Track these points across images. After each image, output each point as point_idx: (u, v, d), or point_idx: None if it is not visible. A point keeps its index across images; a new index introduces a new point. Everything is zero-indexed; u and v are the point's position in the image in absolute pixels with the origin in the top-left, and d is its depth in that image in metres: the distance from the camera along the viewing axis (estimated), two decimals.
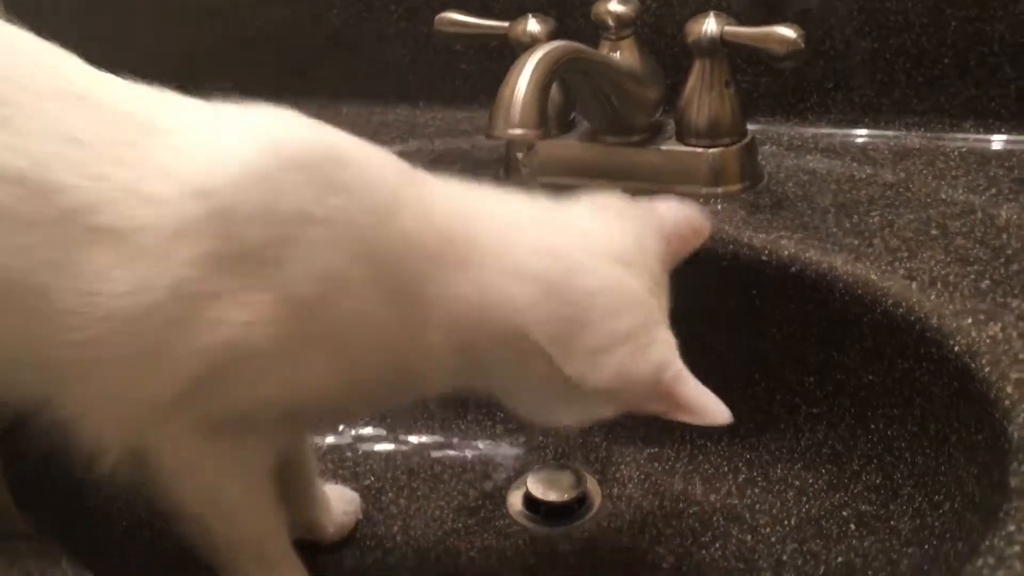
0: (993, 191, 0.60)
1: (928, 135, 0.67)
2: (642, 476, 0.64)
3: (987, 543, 0.37)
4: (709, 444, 0.63)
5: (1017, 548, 0.36)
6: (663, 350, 0.44)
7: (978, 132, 0.66)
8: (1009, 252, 0.54)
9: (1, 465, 0.49)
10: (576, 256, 0.44)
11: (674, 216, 0.49)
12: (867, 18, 0.66)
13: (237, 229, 0.39)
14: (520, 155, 0.60)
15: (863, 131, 0.69)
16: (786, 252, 0.58)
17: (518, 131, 0.52)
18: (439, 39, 0.71)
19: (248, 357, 0.40)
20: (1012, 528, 0.37)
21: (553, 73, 0.54)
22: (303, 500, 0.58)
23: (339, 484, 0.63)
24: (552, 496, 0.63)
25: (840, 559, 0.53)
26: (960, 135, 0.66)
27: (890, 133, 0.68)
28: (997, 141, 0.65)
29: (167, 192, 0.39)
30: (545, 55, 0.53)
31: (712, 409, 0.44)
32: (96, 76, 0.42)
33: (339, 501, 0.61)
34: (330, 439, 0.69)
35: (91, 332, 0.39)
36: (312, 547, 0.58)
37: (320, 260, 0.40)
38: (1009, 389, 0.44)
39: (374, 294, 0.41)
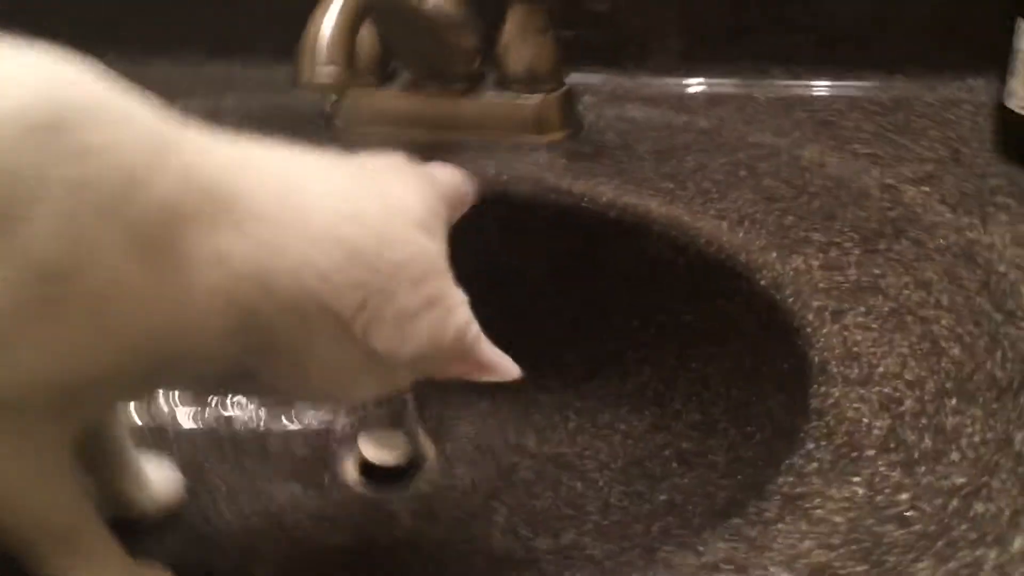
0: (797, 134, 0.62)
1: (738, 82, 0.69)
2: (476, 432, 0.64)
3: (787, 462, 0.38)
4: (541, 395, 0.64)
5: (815, 464, 0.38)
6: (464, 312, 0.44)
7: (784, 78, 0.68)
8: (811, 190, 0.56)
9: None
10: (383, 223, 0.42)
11: (449, 181, 0.48)
12: None
13: None
14: (330, 106, 0.57)
15: (678, 80, 0.70)
16: (604, 198, 0.58)
17: (324, 77, 0.50)
18: None
19: None
20: (811, 446, 0.39)
21: (358, 15, 0.51)
22: (117, 474, 0.54)
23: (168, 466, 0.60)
24: (385, 458, 0.62)
25: (663, 497, 0.54)
26: (767, 81, 0.68)
27: (703, 80, 0.70)
28: (801, 87, 0.68)
29: None
30: None
31: (507, 366, 0.45)
32: None
33: (159, 476, 0.58)
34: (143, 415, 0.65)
35: None
36: (131, 526, 0.55)
37: (66, 224, 0.37)
38: (810, 317, 0.46)
39: (128, 259, 0.38)
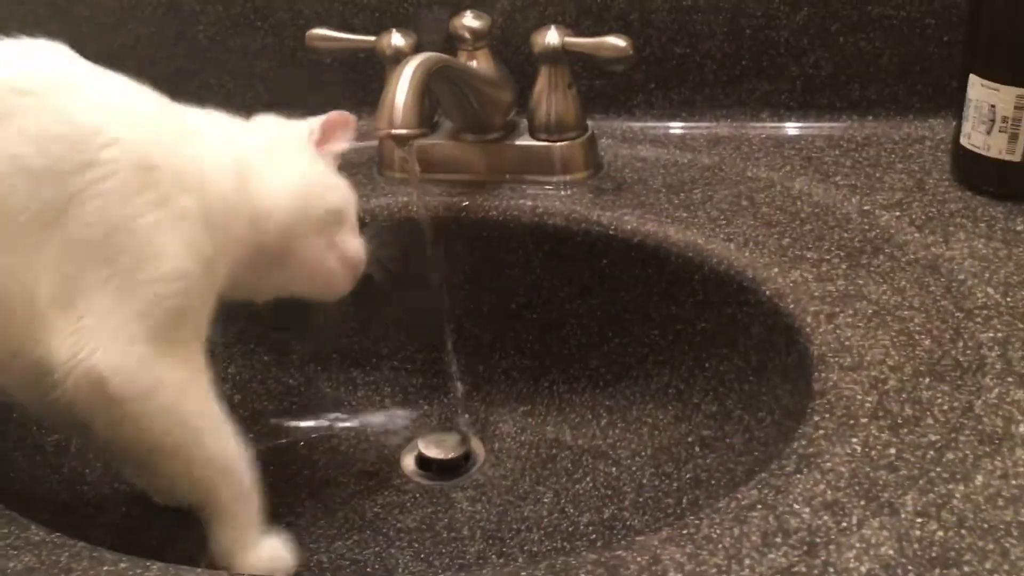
0: (788, 168, 0.72)
1: (734, 125, 0.79)
2: (518, 431, 0.73)
3: (799, 431, 0.48)
4: (574, 397, 0.73)
5: (821, 431, 0.48)
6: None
7: (773, 121, 0.78)
8: (802, 216, 0.66)
9: None
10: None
11: (321, 122, 0.63)
12: (679, 28, 0.77)
13: None
14: (401, 152, 0.67)
15: (681, 124, 0.80)
16: (629, 226, 0.68)
17: (402, 130, 0.60)
18: (304, 53, 0.78)
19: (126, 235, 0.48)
20: (817, 418, 0.49)
21: (428, 78, 0.62)
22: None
23: None
24: (441, 454, 0.72)
25: (689, 475, 0.64)
26: (759, 124, 0.78)
27: (703, 124, 0.80)
28: (789, 127, 0.78)
29: None
30: (421, 63, 0.61)
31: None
32: None
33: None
34: None
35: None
36: None
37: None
38: (809, 319, 0.56)
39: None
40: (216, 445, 0.52)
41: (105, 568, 0.43)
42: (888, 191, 0.68)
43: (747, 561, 0.40)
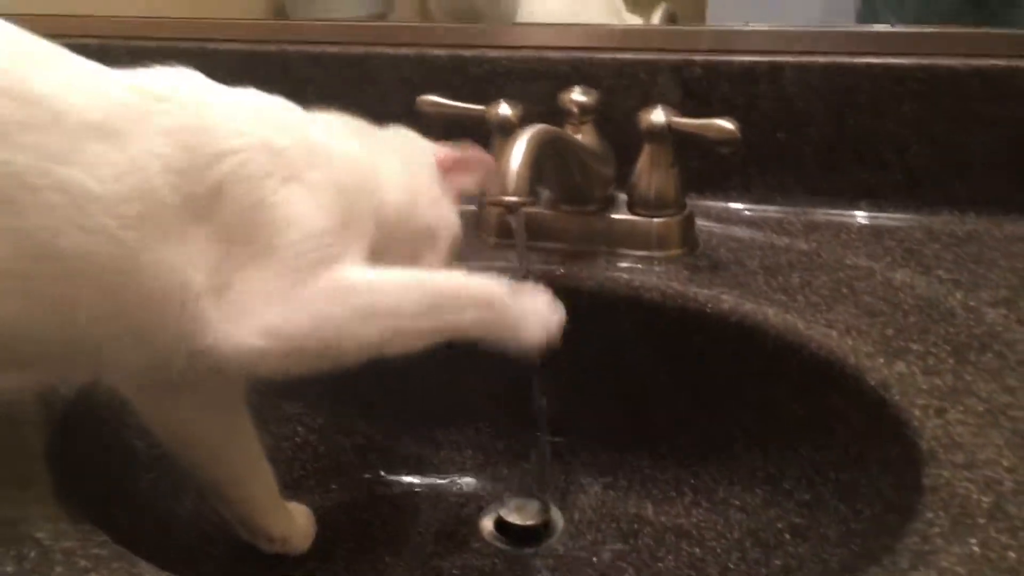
0: (889, 259, 0.72)
1: (831, 212, 0.79)
2: (599, 503, 0.73)
3: (912, 525, 0.48)
4: (658, 473, 0.73)
5: (936, 528, 0.47)
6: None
7: (871, 211, 0.79)
8: (905, 307, 0.66)
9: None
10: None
11: (457, 153, 0.65)
12: (783, 113, 0.78)
13: None
14: (511, 218, 0.69)
15: (777, 208, 0.81)
16: (726, 305, 0.68)
17: (514, 198, 0.61)
18: (409, 120, 0.80)
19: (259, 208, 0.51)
20: (930, 515, 0.48)
21: (539, 149, 0.63)
22: (273, 515, 0.64)
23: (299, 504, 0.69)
24: (521, 521, 0.71)
25: (779, 562, 0.63)
26: (857, 212, 0.79)
27: (799, 210, 0.80)
28: (887, 218, 0.78)
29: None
30: (535, 133, 0.63)
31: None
32: None
33: (299, 515, 0.68)
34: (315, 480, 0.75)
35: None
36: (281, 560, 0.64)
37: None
38: (917, 412, 0.55)
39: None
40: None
41: None
42: (993, 288, 0.67)
43: None
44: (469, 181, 0.66)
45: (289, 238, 0.50)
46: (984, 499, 0.48)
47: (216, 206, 0.49)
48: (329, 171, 0.54)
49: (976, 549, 0.45)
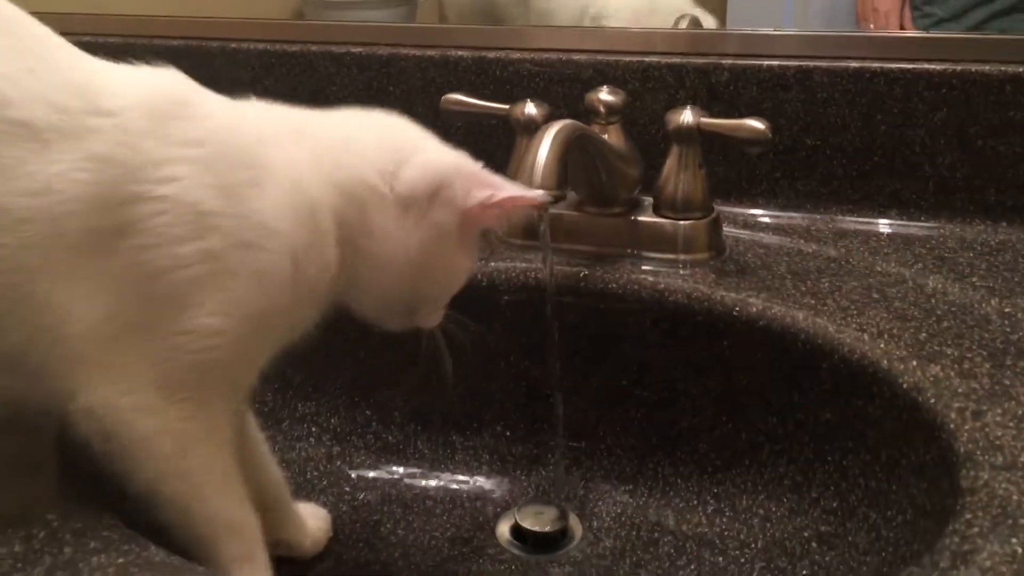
0: (920, 266, 0.71)
1: (860, 219, 0.78)
2: (618, 511, 0.71)
3: (950, 527, 0.46)
4: (679, 481, 0.71)
5: (976, 529, 0.45)
6: (460, 156, 0.57)
7: (901, 219, 0.77)
8: (939, 313, 0.64)
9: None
10: (394, 131, 0.57)
11: (502, 196, 0.56)
12: (811, 120, 0.77)
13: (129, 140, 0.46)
14: (537, 215, 0.67)
15: (805, 215, 0.80)
16: (754, 308, 0.67)
17: (541, 192, 0.60)
18: (432, 120, 0.79)
19: (173, 287, 0.46)
20: (969, 516, 0.46)
21: (567, 143, 0.62)
22: (281, 519, 0.62)
23: (318, 507, 0.68)
24: (538, 527, 0.69)
25: (805, 572, 0.61)
26: (887, 220, 0.78)
27: (828, 217, 0.79)
28: (918, 227, 0.77)
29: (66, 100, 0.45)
30: (562, 128, 0.62)
31: (531, 191, 0.56)
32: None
33: (312, 518, 0.66)
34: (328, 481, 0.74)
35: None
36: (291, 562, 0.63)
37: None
38: (952, 415, 0.53)
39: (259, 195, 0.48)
40: (220, 503, 0.49)
41: None
42: None
43: None
44: (497, 222, 0.58)
45: (179, 325, 0.46)
46: None
47: (120, 246, 0.45)
48: (265, 254, 0.47)
49: (1019, 549, 0.43)
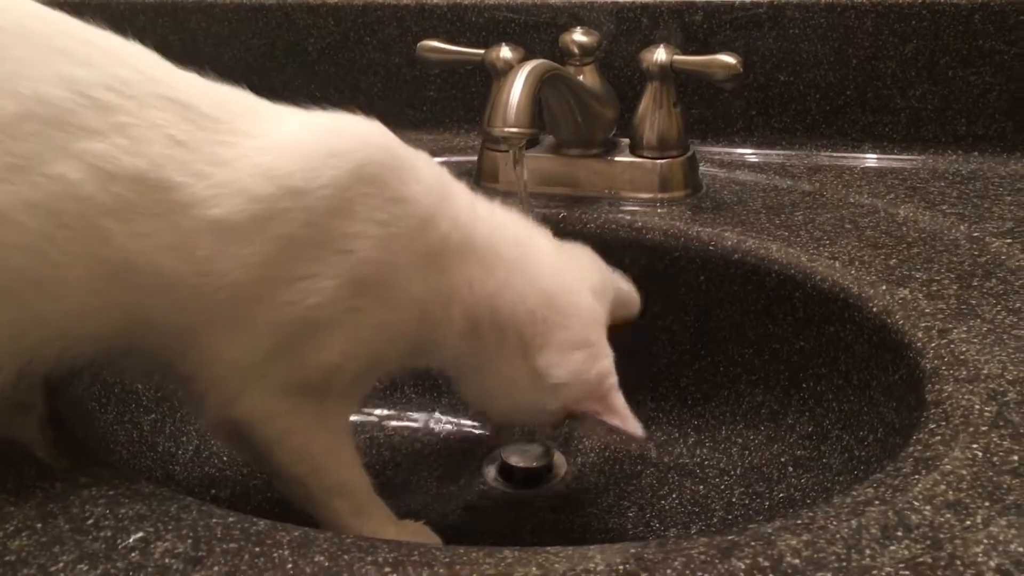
0: (891, 196, 0.72)
1: (834, 154, 0.79)
2: (602, 447, 0.72)
3: (915, 437, 0.47)
4: (660, 415, 0.73)
5: (938, 437, 0.46)
6: (609, 363, 0.57)
7: (875, 152, 0.78)
8: (909, 240, 0.65)
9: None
10: (572, 281, 0.57)
11: (623, 288, 0.62)
12: (783, 56, 0.78)
13: (316, 219, 0.48)
14: (511, 154, 0.68)
15: (780, 151, 0.81)
16: (729, 243, 0.68)
17: (515, 129, 0.61)
18: (408, 69, 0.80)
19: (315, 329, 0.49)
20: (932, 425, 0.48)
21: (540, 82, 0.63)
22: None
23: None
24: (524, 464, 0.71)
25: (782, 495, 0.63)
26: (860, 154, 0.79)
27: (803, 153, 0.80)
28: (891, 159, 0.78)
29: (260, 187, 0.47)
30: (535, 67, 0.63)
31: (633, 421, 0.56)
32: (178, 75, 0.49)
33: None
34: None
35: (200, 305, 0.47)
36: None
37: (381, 252, 0.49)
38: (920, 335, 0.55)
39: (416, 277, 0.51)
40: (333, 479, 0.54)
41: (214, 520, 0.44)
42: (998, 220, 0.67)
43: (868, 551, 0.39)
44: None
45: (310, 358, 0.50)
46: (987, 409, 0.48)
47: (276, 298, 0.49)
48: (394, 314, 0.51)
49: (979, 453, 0.45)
